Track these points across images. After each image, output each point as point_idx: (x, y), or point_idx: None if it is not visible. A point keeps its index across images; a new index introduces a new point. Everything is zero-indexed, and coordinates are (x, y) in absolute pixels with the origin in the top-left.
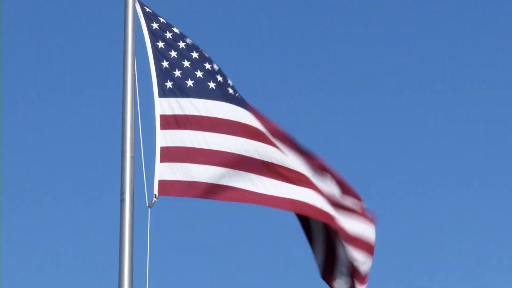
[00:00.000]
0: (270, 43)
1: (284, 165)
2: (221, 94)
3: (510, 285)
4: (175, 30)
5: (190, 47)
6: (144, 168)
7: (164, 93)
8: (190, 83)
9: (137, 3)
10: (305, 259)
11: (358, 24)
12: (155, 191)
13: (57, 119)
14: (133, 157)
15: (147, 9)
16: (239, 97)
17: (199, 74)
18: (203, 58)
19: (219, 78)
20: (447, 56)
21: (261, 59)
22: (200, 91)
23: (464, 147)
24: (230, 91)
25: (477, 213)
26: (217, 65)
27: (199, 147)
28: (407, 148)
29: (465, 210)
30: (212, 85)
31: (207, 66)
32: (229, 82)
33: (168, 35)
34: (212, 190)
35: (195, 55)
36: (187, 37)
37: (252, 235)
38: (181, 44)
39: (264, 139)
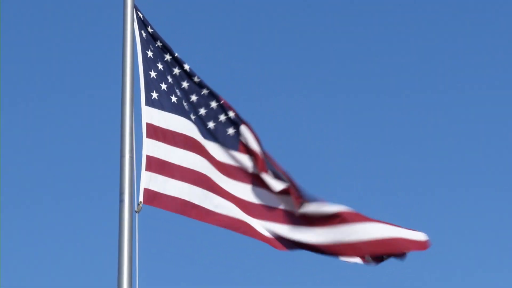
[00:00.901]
0: (270, 43)
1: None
2: (190, 114)
3: (510, 285)
4: (159, 43)
5: (173, 62)
6: (135, 171)
7: (149, 102)
8: (174, 99)
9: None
10: (294, 263)
11: (358, 24)
12: (141, 198)
13: (57, 119)
14: (132, 158)
15: (140, 14)
16: (205, 122)
17: (178, 92)
18: (182, 76)
19: (193, 98)
20: (447, 56)
21: (261, 59)
22: (179, 109)
23: (464, 147)
24: (201, 112)
25: (477, 213)
26: (195, 82)
27: (178, 163)
28: (407, 148)
29: (465, 210)
30: (185, 104)
31: (184, 84)
32: (201, 105)
33: (157, 44)
34: (189, 209)
35: (176, 71)
36: (170, 51)
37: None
38: (167, 57)
39: (218, 167)
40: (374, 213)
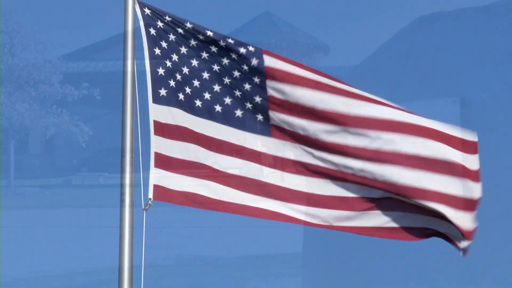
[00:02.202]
0: (270, 43)
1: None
2: (206, 111)
3: (510, 285)
4: (171, 37)
5: (186, 58)
6: (141, 170)
7: (157, 100)
8: (181, 96)
9: (137, 4)
10: (295, 262)
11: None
12: (150, 195)
13: None
14: (133, 158)
15: (147, 11)
16: (235, 111)
17: (187, 90)
18: (194, 72)
19: (207, 95)
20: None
21: None
22: (188, 106)
23: None
24: (217, 108)
25: (477, 213)
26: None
27: (188, 159)
28: None
29: None
30: (198, 103)
31: (195, 83)
32: (234, 91)
33: (164, 44)
34: (203, 201)
35: (185, 70)
36: (197, 35)
37: (257, 236)
38: (174, 57)
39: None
40: None
